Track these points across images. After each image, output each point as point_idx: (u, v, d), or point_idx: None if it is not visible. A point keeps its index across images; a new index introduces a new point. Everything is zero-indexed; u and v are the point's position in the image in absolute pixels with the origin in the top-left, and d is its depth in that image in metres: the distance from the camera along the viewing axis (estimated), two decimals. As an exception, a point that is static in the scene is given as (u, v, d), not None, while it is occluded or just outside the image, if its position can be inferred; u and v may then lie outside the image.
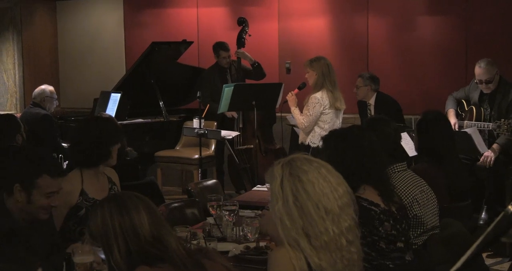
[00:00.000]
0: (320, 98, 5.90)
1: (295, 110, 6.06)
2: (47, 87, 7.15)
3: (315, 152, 5.81)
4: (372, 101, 6.71)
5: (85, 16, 9.35)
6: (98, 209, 2.30)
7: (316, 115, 5.91)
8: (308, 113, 5.91)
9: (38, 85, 7.30)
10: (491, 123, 5.85)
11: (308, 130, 5.98)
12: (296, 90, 6.29)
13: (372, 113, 6.67)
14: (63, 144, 7.08)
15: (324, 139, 3.18)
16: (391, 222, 2.97)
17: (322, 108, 5.91)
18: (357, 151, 2.99)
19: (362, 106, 6.83)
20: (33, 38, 9.20)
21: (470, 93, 6.22)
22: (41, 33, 9.33)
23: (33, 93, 7.15)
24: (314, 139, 5.94)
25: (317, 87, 5.95)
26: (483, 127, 5.91)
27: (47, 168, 2.96)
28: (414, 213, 3.51)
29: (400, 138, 3.90)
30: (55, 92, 7.23)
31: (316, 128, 5.96)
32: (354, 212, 2.28)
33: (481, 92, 6.08)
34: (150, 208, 2.30)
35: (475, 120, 6.02)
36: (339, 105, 5.99)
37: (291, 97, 6.14)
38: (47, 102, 7.08)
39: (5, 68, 9.10)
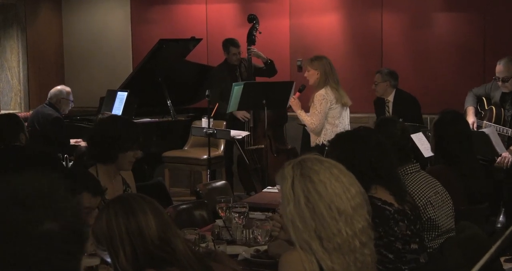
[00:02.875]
0: (325, 94, 5.95)
1: (301, 113, 6.13)
2: (64, 89, 7.19)
3: None
4: (391, 98, 6.71)
5: (91, 13, 9.38)
6: (103, 211, 2.30)
7: (324, 112, 5.94)
8: (316, 112, 5.94)
9: (43, 83, 7.34)
10: (510, 130, 5.82)
11: (319, 130, 6.00)
12: (298, 93, 6.34)
13: (390, 110, 6.66)
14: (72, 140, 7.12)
15: (331, 141, 3.22)
16: (406, 222, 2.97)
17: (329, 104, 5.95)
18: (364, 152, 3.01)
19: (379, 104, 6.81)
20: (37, 36, 9.23)
21: (491, 91, 6.18)
22: (46, 30, 9.35)
23: (49, 93, 7.18)
24: (327, 137, 5.95)
25: (320, 85, 6.01)
26: (502, 132, 5.88)
27: (89, 185, 3.00)
28: (428, 215, 3.50)
29: (407, 138, 3.88)
30: (71, 94, 7.26)
31: (327, 126, 6.00)
32: (367, 213, 2.28)
33: (504, 92, 6.05)
34: (157, 210, 2.30)
35: (494, 122, 5.99)
36: (346, 101, 6.05)
37: (294, 102, 6.21)
38: (62, 104, 7.12)
39: (9, 66, 9.12)
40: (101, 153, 3.70)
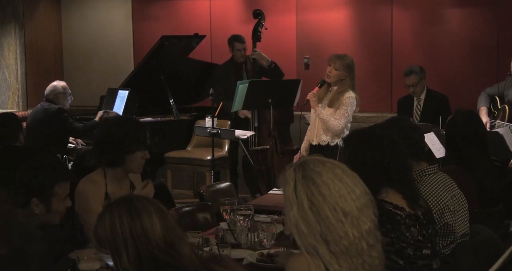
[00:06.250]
0: (355, 97, 5.79)
1: (322, 111, 5.81)
2: (58, 83, 7.21)
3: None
4: (422, 96, 6.69)
5: (92, 9, 9.39)
6: (107, 213, 2.30)
7: (351, 116, 5.82)
8: (346, 114, 5.74)
9: (41, 82, 7.36)
10: None
11: (341, 132, 5.83)
12: (317, 88, 6.08)
13: (421, 108, 6.63)
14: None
15: (345, 139, 3.21)
16: (417, 227, 2.96)
17: (354, 108, 5.83)
18: (376, 152, 2.99)
19: (406, 104, 6.77)
20: (36, 32, 9.25)
21: (505, 90, 6.18)
22: (44, 27, 9.37)
23: (45, 91, 7.20)
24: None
25: (348, 88, 5.79)
26: None
27: (61, 173, 3.00)
28: (445, 221, 3.46)
29: (420, 134, 3.86)
30: (68, 87, 7.28)
31: (344, 129, 5.87)
32: (373, 213, 2.28)
33: None
34: (162, 212, 2.30)
35: (508, 121, 5.99)
36: (357, 108, 5.92)
37: (314, 98, 5.96)
38: (60, 98, 7.14)
39: (6, 64, 9.15)
40: (109, 157, 3.69)
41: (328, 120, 5.76)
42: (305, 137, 6.08)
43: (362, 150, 3.02)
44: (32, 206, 2.89)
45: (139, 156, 3.73)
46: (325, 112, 5.81)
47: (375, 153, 2.99)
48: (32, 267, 1.47)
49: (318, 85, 5.96)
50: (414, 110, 6.71)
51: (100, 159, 3.72)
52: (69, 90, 7.27)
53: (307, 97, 5.90)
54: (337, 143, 5.84)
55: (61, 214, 3.03)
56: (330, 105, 5.82)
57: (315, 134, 5.92)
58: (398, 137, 3.20)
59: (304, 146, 6.06)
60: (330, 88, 5.90)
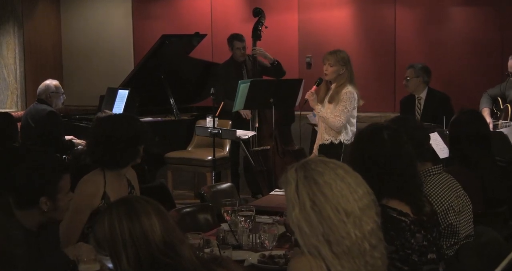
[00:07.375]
0: (354, 92, 5.83)
1: (322, 109, 5.88)
2: (51, 82, 7.21)
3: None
4: (423, 95, 6.69)
5: (91, 8, 9.39)
6: (106, 214, 2.30)
7: (351, 111, 5.83)
8: (345, 110, 5.77)
9: (40, 81, 7.35)
10: None
11: (342, 128, 5.85)
12: (315, 87, 6.11)
13: (422, 108, 6.64)
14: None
15: (355, 135, 3.20)
16: (422, 232, 2.93)
17: (355, 103, 5.85)
18: (377, 154, 2.96)
19: (408, 104, 6.77)
20: (35, 31, 9.25)
21: (506, 90, 6.20)
22: (43, 26, 9.38)
23: (38, 90, 7.21)
24: (348, 136, 5.86)
25: (346, 82, 5.84)
26: None
27: (61, 166, 3.00)
28: (450, 221, 3.45)
29: (425, 134, 3.85)
30: (60, 86, 7.28)
31: (347, 125, 5.87)
32: (375, 214, 2.28)
33: None
34: (162, 213, 2.31)
35: (510, 119, 6.01)
36: (360, 101, 5.94)
37: (312, 97, 6.00)
38: (53, 98, 7.14)
39: (5, 63, 9.15)
40: (116, 159, 3.69)
41: (327, 118, 5.82)
42: (317, 137, 6.13)
43: (362, 150, 3.01)
44: (40, 204, 2.89)
45: (141, 149, 3.77)
46: (326, 109, 5.85)
47: (376, 154, 2.97)
48: (18, 269, 1.47)
49: (316, 84, 6.05)
50: (415, 112, 6.71)
51: (105, 160, 3.70)
52: (62, 90, 7.28)
53: (306, 97, 6.00)
54: (340, 140, 5.87)
55: (67, 209, 3.03)
56: (330, 101, 5.89)
57: (320, 134, 5.97)
58: (406, 138, 3.16)
59: (316, 146, 6.09)
60: (331, 86, 5.93)
